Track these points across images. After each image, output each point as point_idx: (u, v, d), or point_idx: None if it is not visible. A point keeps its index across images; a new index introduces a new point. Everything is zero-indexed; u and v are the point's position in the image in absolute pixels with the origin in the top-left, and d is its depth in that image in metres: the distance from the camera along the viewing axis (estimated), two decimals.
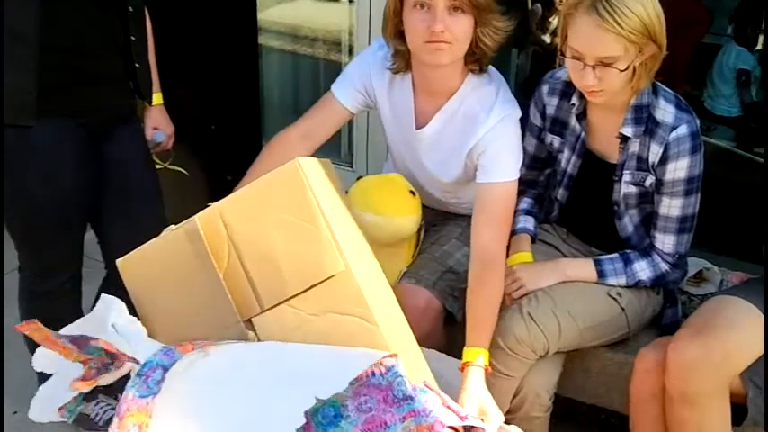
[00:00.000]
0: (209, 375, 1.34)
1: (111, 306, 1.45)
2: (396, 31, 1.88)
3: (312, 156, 1.71)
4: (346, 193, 1.97)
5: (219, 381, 1.34)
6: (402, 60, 1.94)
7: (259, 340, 1.48)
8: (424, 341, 1.77)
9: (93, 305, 2.19)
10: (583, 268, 1.98)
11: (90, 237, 2.20)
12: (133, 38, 2.09)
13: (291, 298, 1.46)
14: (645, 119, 1.84)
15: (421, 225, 2.15)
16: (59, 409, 1.47)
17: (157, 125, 2.32)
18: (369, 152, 2.99)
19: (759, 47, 4.12)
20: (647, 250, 1.97)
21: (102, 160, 2.10)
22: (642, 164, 1.88)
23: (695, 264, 2.39)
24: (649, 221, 1.97)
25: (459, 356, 1.80)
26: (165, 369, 1.31)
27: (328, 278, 1.45)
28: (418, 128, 2.01)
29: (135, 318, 1.47)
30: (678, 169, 1.83)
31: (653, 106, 1.84)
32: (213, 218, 1.48)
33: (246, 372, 1.35)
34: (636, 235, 2.01)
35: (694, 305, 2.22)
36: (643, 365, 1.87)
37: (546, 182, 2.19)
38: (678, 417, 1.81)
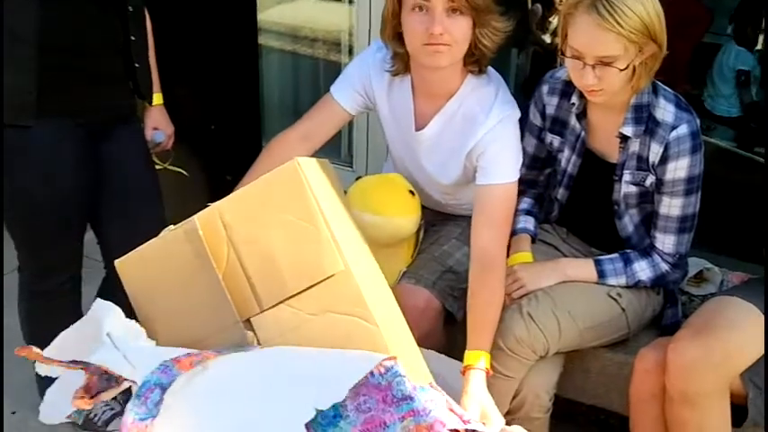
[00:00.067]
0: (208, 390, 1.32)
1: (105, 312, 1.44)
2: (394, 33, 1.87)
3: (312, 156, 1.71)
4: (345, 193, 1.97)
5: (218, 394, 1.32)
6: (401, 62, 1.93)
7: (258, 340, 1.48)
8: (423, 341, 1.77)
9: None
10: (583, 268, 1.98)
11: (90, 237, 2.20)
12: (133, 38, 2.09)
13: (290, 298, 1.46)
14: (645, 118, 1.84)
15: (420, 225, 2.14)
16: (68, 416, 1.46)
17: (157, 125, 2.32)
18: (369, 152, 2.98)
19: (759, 47, 4.11)
20: (648, 250, 1.97)
21: (102, 160, 2.10)
22: (642, 163, 1.88)
23: (695, 264, 2.39)
24: (650, 221, 1.96)
25: (459, 357, 1.80)
26: (164, 389, 1.30)
27: (327, 278, 1.45)
28: (417, 130, 2.00)
29: (132, 321, 1.47)
30: (678, 169, 1.83)
31: (653, 106, 1.84)
32: (212, 218, 1.47)
33: (245, 382, 1.34)
34: (636, 235, 2.01)
35: (694, 305, 2.22)
36: (643, 366, 1.87)
37: (546, 182, 2.19)
38: (678, 417, 1.81)
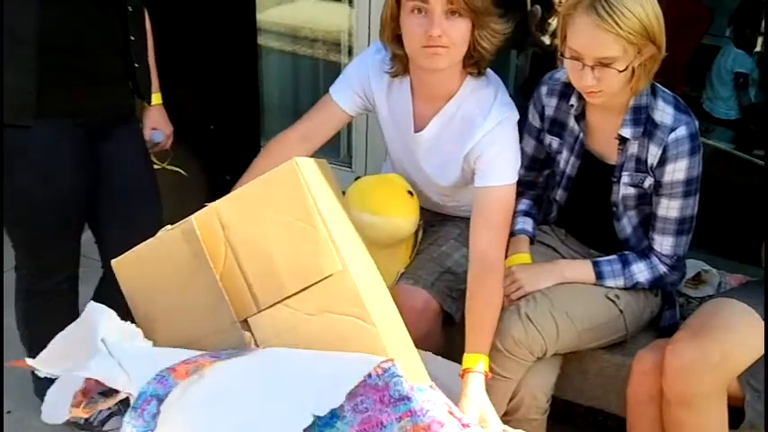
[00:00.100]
0: (204, 399, 1.31)
1: (99, 315, 1.43)
2: (393, 35, 1.87)
3: (310, 157, 1.71)
4: (344, 193, 1.97)
5: (215, 403, 1.31)
6: (400, 64, 1.93)
7: (255, 341, 1.48)
8: (421, 342, 1.77)
9: None
10: (581, 270, 1.98)
11: (87, 236, 2.20)
12: (132, 38, 2.09)
13: (288, 298, 1.45)
14: (643, 120, 1.84)
15: (419, 225, 2.14)
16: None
17: (156, 125, 2.32)
18: (368, 153, 2.98)
19: (758, 49, 4.11)
20: (646, 252, 1.97)
21: (101, 160, 2.10)
22: (641, 165, 1.88)
23: (693, 266, 2.38)
24: (648, 223, 1.96)
25: (457, 358, 1.80)
26: (160, 400, 1.29)
27: (325, 278, 1.44)
28: (416, 131, 2.00)
29: (127, 322, 1.46)
30: (677, 171, 1.83)
31: (651, 107, 1.84)
32: (210, 218, 1.47)
33: (242, 390, 1.33)
34: (634, 236, 2.01)
35: (692, 307, 2.22)
36: (641, 367, 1.87)
37: (545, 183, 2.19)
38: (675, 419, 1.81)
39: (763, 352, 1.80)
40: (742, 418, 1.83)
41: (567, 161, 2.01)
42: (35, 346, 2.04)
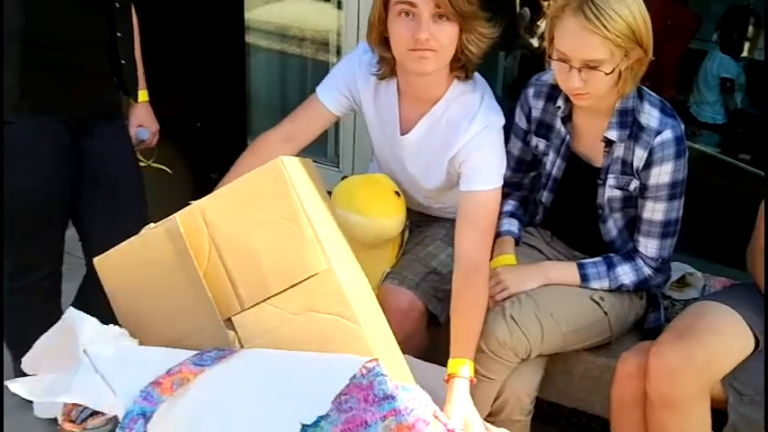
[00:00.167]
0: (191, 413, 1.31)
1: (80, 323, 1.41)
2: (381, 37, 1.87)
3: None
4: (330, 193, 1.96)
5: (201, 419, 1.31)
6: (387, 66, 1.92)
7: (240, 340, 1.47)
8: (406, 342, 1.77)
9: (73, 303, 2.18)
10: (566, 271, 1.98)
11: (71, 233, 2.18)
12: (119, 34, 2.07)
13: (272, 297, 1.45)
14: (630, 123, 1.85)
15: (405, 226, 2.14)
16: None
17: (142, 122, 2.30)
18: (355, 152, 2.98)
19: (745, 54, 4.14)
20: (631, 254, 1.97)
21: (86, 157, 2.08)
22: (627, 168, 1.88)
23: (678, 268, 2.39)
24: (633, 225, 1.97)
25: (441, 358, 1.79)
26: (147, 418, 1.29)
27: (310, 277, 1.44)
28: (403, 134, 2.00)
29: (109, 326, 1.45)
30: (662, 174, 1.83)
31: (638, 110, 1.85)
32: (194, 216, 1.47)
33: (227, 402, 1.32)
34: (620, 239, 2.01)
35: (677, 310, 2.22)
36: (625, 370, 1.87)
37: (531, 185, 2.19)
38: (659, 421, 1.81)
39: (746, 355, 1.81)
40: (725, 420, 1.84)
41: (553, 163, 2.02)
42: (17, 342, 2.03)
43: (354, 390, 1.33)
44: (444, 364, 1.77)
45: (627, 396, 1.88)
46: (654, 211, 1.89)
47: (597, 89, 1.76)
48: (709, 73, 4.09)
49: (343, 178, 2.26)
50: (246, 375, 1.37)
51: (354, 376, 1.33)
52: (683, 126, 1.85)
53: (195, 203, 1.48)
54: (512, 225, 2.12)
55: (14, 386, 1.38)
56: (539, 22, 3.64)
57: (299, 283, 1.45)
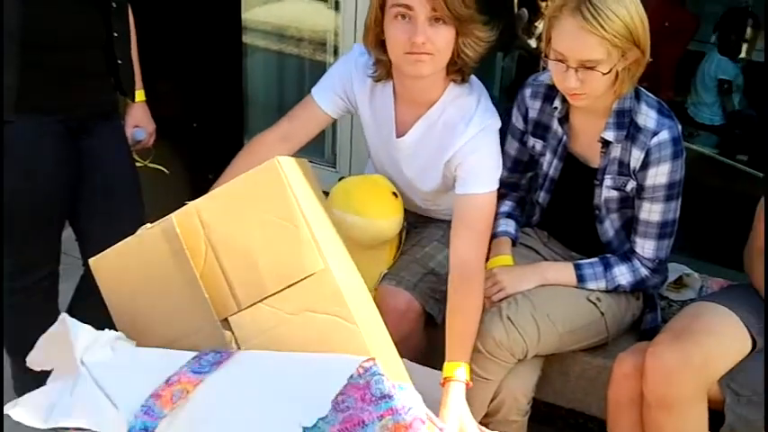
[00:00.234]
0: (193, 426, 1.31)
1: (75, 332, 1.40)
2: (377, 40, 1.86)
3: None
4: (327, 194, 1.96)
5: (202, 427, 1.31)
6: (383, 69, 1.92)
7: (236, 340, 1.47)
8: (403, 343, 1.77)
9: (71, 303, 2.18)
10: (563, 272, 1.98)
11: (68, 233, 2.18)
12: (116, 33, 2.07)
13: (269, 297, 1.44)
14: (627, 124, 1.85)
15: (403, 227, 2.14)
16: None
17: (139, 123, 2.30)
18: (352, 153, 2.97)
19: (742, 55, 4.14)
20: (628, 255, 1.97)
21: (83, 157, 2.08)
22: (623, 168, 1.88)
23: (675, 269, 2.39)
24: (630, 226, 1.97)
25: (438, 359, 1.79)
26: None
27: (307, 276, 1.44)
28: (399, 136, 2.00)
29: (104, 330, 1.44)
30: (659, 174, 1.84)
31: (635, 111, 1.85)
32: (190, 216, 1.46)
33: (227, 411, 1.32)
34: (616, 239, 2.01)
35: (674, 311, 2.23)
36: (621, 370, 1.87)
37: (528, 185, 2.19)
38: (656, 422, 1.81)
39: (743, 355, 1.81)
40: (722, 421, 1.84)
41: (550, 164, 2.02)
42: (17, 342, 2.02)
43: (351, 389, 1.33)
44: (441, 366, 1.77)
45: (624, 397, 1.88)
46: (651, 211, 1.89)
47: (594, 89, 1.76)
48: (706, 74, 4.09)
49: (340, 179, 2.25)
50: (244, 380, 1.37)
51: (351, 376, 1.33)
52: (680, 127, 1.85)
53: (191, 204, 1.48)
54: (508, 226, 2.12)
55: (15, 412, 1.37)
56: (536, 23, 3.63)
57: (296, 283, 1.44)
